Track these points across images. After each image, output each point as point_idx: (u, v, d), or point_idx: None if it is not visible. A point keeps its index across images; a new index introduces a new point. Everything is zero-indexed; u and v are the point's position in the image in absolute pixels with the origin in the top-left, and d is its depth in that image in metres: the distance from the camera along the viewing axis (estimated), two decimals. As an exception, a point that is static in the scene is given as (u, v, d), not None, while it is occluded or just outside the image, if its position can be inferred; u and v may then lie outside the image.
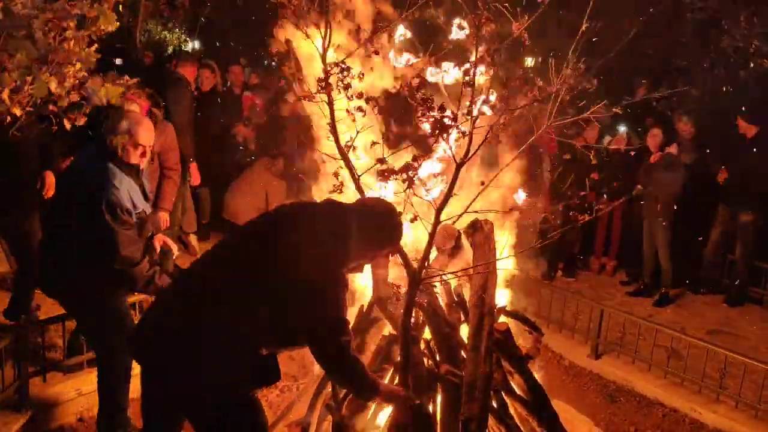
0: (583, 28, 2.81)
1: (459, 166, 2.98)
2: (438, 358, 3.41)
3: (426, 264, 3.19)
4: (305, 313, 2.67)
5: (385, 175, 2.98)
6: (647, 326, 5.40)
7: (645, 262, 7.33)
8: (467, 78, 2.89)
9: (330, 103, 3.17)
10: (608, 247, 8.13)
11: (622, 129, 7.85)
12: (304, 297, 2.65)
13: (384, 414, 3.40)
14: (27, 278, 4.92)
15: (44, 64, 2.74)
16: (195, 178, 6.87)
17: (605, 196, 7.58)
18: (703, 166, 7.15)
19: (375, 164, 3.08)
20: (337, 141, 3.22)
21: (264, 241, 2.78)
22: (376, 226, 2.85)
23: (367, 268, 3.40)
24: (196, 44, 17.34)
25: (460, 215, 3.19)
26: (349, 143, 3.21)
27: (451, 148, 2.94)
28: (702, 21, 9.86)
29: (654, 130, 7.09)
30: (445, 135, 2.89)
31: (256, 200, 7.02)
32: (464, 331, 3.56)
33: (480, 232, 3.60)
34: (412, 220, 3.08)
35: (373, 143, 3.14)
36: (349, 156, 3.24)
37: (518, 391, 3.43)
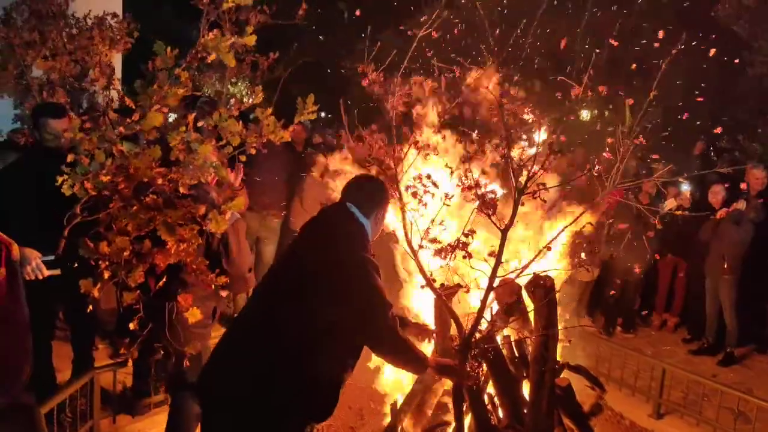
0: (652, 95, 2.90)
1: (504, 232, 3.10)
2: (501, 413, 3.43)
3: (478, 329, 3.31)
4: (354, 313, 2.78)
5: (442, 254, 3.17)
6: (712, 386, 5.24)
7: (709, 320, 7.13)
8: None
9: (402, 209, 3.45)
10: (670, 303, 7.98)
11: (685, 187, 7.75)
12: (348, 299, 2.78)
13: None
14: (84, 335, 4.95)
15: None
16: None
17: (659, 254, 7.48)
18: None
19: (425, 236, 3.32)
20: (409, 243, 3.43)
21: (298, 262, 2.97)
22: (365, 190, 3.11)
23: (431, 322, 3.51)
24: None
25: (521, 271, 3.27)
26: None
27: (491, 217, 3.10)
28: (762, 76, 9.81)
29: (716, 187, 6.99)
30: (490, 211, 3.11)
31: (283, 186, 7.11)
32: (526, 386, 3.57)
33: (541, 287, 3.63)
34: (467, 291, 3.25)
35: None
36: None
37: (579, 449, 3.41)
